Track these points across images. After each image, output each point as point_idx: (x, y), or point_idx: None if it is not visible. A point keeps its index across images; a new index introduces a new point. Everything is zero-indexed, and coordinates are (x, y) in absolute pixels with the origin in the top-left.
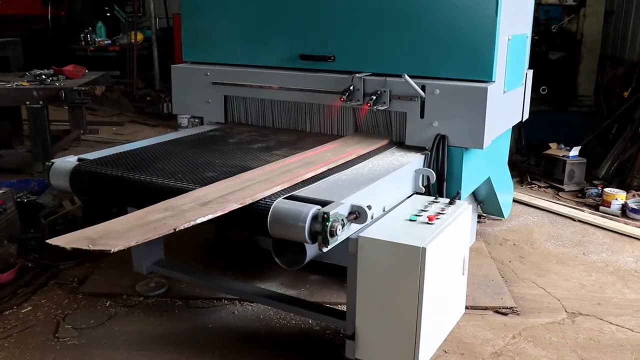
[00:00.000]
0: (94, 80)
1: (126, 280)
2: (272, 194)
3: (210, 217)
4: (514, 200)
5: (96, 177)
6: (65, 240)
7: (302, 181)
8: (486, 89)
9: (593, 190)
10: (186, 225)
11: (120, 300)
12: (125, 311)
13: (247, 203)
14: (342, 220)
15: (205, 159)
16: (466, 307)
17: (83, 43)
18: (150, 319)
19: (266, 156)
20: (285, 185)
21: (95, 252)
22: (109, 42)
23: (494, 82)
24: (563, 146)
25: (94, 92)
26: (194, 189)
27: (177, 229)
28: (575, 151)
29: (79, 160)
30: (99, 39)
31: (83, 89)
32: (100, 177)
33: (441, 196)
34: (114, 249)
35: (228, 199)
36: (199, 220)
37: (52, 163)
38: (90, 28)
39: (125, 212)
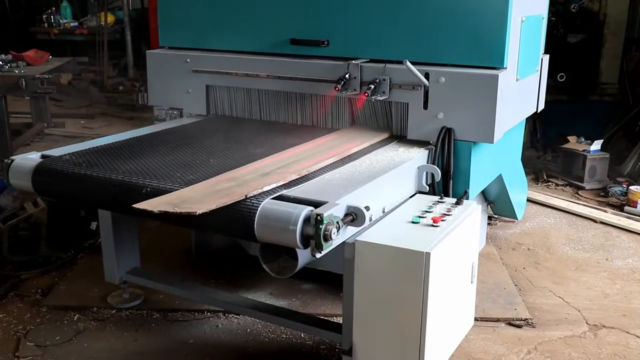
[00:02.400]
0: (59, 67)
1: (96, 291)
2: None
3: (274, 185)
4: (529, 200)
5: (62, 176)
6: (151, 204)
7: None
8: (497, 76)
9: (617, 189)
10: (254, 193)
11: (89, 314)
12: (96, 326)
13: (304, 174)
14: (337, 222)
15: (186, 157)
16: (475, 319)
17: (46, 25)
18: (123, 334)
19: (246, 154)
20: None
21: (182, 215)
22: (76, 24)
23: (505, 68)
24: (583, 140)
25: (59, 81)
26: (178, 189)
27: (247, 196)
28: (596, 145)
29: (43, 157)
30: (64, 21)
31: (46, 77)
32: (67, 176)
33: (447, 196)
34: (199, 211)
35: (286, 170)
36: (265, 188)
37: (12, 160)
38: (53, 8)
39: (95, 215)
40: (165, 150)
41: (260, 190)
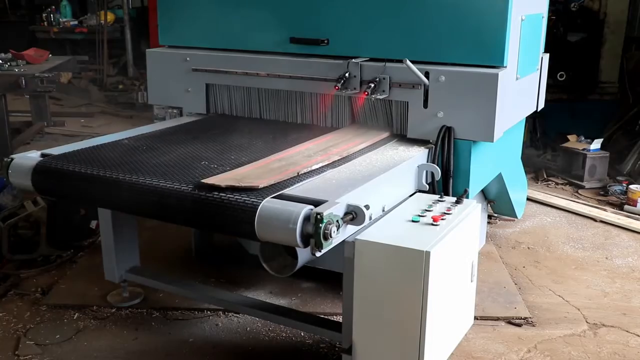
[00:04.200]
0: (59, 66)
1: (96, 290)
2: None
3: (320, 165)
4: (528, 199)
5: (62, 175)
6: (218, 179)
7: (291, 179)
8: (497, 75)
9: (617, 187)
10: (304, 170)
11: (89, 312)
12: (96, 324)
13: (344, 155)
14: (337, 221)
15: (186, 155)
16: (475, 318)
17: (45, 24)
18: (123, 333)
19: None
20: None
21: (246, 188)
22: (76, 22)
23: (505, 67)
24: (583, 138)
25: (58, 80)
26: (181, 189)
27: (298, 173)
28: (596, 144)
29: (42, 155)
30: (64, 20)
31: (46, 75)
32: (67, 175)
33: (447, 194)
34: (261, 185)
35: (326, 153)
36: (313, 167)
37: (12, 159)
38: (53, 7)
39: (95, 214)
40: (169, 149)
41: (309, 169)
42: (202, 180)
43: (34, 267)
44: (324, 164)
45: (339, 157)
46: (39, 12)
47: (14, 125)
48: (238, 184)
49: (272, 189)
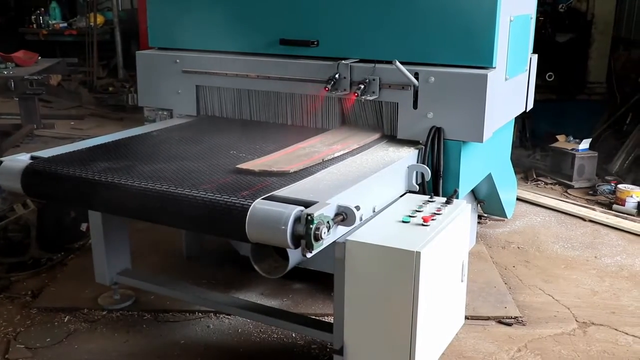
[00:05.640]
0: (48, 68)
1: (87, 293)
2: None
3: (342, 152)
4: (518, 199)
5: (52, 178)
6: (252, 165)
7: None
8: (486, 75)
9: (605, 187)
10: (329, 157)
11: (80, 315)
12: (87, 327)
13: (362, 144)
14: (328, 222)
15: (176, 157)
16: (466, 317)
17: (34, 26)
18: (115, 336)
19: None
20: None
21: (278, 172)
22: (65, 25)
23: (494, 68)
24: (572, 138)
25: (48, 82)
26: (175, 190)
27: (324, 159)
28: (585, 144)
29: (32, 158)
30: (53, 22)
31: (36, 78)
32: (57, 178)
33: (437, 195)
34: (292, 170)
35: (344, 143)
36: (336, 154)
37: (1, 162)
38: (42, 9)
39: (85, 217)
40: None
41: (332, 155)
42: (237, 166)
43: (24, 270)
44: (345, 151)
45: (357, 145)
46: (28, 14)
47: (3, 127)
48: (270, 169)
49: (263, 191)
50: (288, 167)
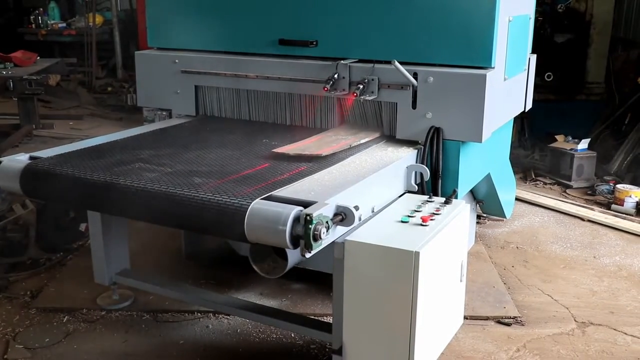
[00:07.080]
0: (47, 68)
1: (86, 293)
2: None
3: (367, 139)
4: (517, 199)
5: (51, 178)
6: (286, 149)
7: (279, 181)
8: (485, 75)
9: (604, 187)
10: (356, 143)
11: (79, 315)
12: (86, 327)
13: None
14: (327, 222)
15: (175, 157)
16: (465, 317)
17: (33, 26)
18: (113, 336)
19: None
20: None
21: (311, 156)
22: (64, 25)
23: (493, 68)
24: (571, 138)
25: (47, 82)
26: (174, 190)
27: (351, 145)
28: (584, 144)
29: (31, 158)
30: (52, 22)
31: (34, 78)
32: (56, 178)
33: (436, 195)
34: (324, 153)
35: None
36: (362, 141)
37: (0, 162)
38: (41, 9)
39: (84, 217)
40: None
41: (358, 142)
42: (274, 150)
43: (23, 270)
44: (369, 138)
45: (379, 134)
46: (27, 14)
47: (2, 128)
48: (304, 153)
49: (261, 191)
50: (319, 151)
